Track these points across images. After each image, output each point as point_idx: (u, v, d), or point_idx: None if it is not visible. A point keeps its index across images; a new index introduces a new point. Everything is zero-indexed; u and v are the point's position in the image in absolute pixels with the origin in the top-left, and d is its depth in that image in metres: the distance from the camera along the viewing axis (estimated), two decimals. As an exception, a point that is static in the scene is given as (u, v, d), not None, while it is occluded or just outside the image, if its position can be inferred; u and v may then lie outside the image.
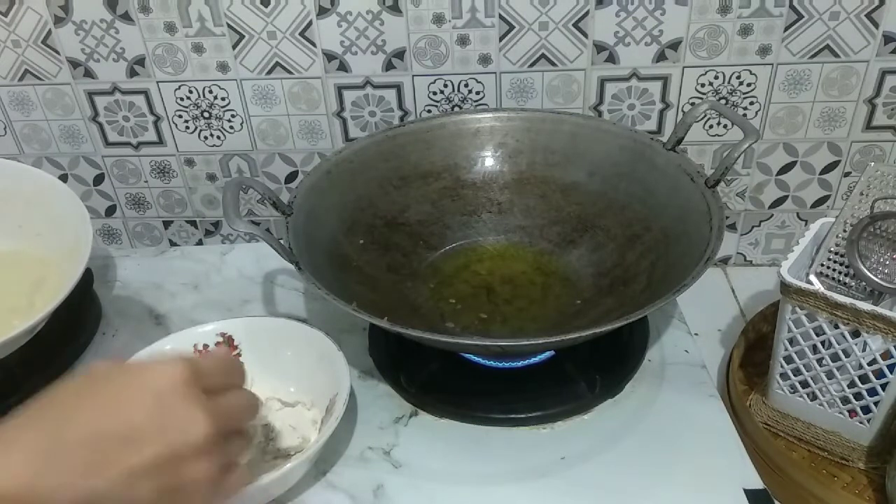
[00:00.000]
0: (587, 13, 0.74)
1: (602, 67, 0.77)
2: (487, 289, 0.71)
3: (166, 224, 0.92)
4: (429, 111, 0.81)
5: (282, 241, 0.61)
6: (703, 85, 0.77)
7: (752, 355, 0.74)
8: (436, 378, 0.65)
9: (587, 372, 0.64)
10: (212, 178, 0.87)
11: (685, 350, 0.68)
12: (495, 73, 0.78)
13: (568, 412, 0.62)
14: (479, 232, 0.76)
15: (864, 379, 0.59)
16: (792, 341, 0.62)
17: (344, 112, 0.81)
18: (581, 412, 0.62)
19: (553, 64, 0.77)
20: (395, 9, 0.75)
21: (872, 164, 0.63)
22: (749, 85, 0.77)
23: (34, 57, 0.79)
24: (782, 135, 0.80)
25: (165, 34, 0.77)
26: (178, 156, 0.86)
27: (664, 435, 0.60)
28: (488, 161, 0.77)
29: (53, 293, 0.60)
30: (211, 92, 0.81)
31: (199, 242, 0.93)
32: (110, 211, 0.91)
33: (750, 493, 0.55)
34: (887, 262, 0.60)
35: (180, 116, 0.83)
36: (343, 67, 0.78)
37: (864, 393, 0.60)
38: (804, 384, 0.63)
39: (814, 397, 0.63)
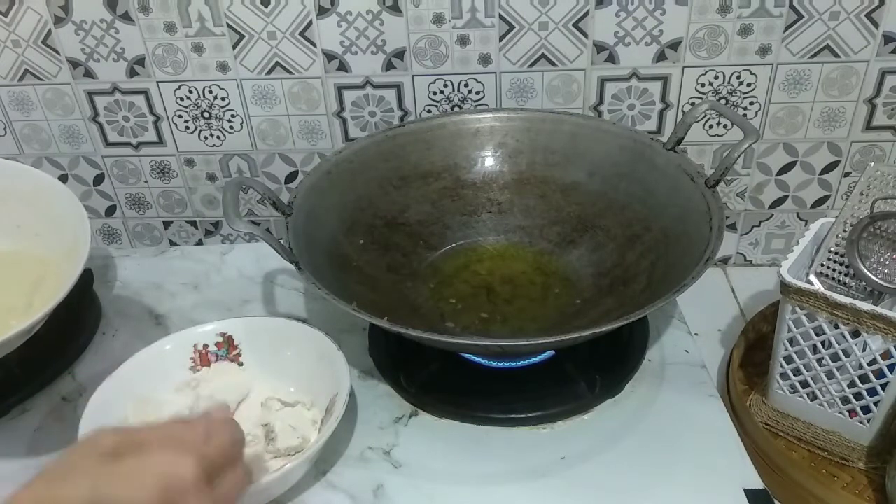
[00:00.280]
0: (587, 13, 0.74)
1: (602, 67, 0.77)
2: (487, 289, 0.71)
3: (166, 224, 0.92)
4: (429, 111, 0.81)
5: (282, 241, 0.61)
6: (703, 85, 0.77)
7: (752, 355, 0.74)
8: (436, 378, 0.65)
9: (587, 372, 0.64)
10: (212, 178, 0.87)
11: (685, 350, 0.68)
12: (495, 73, 0.78)
13: (568, 412, 0.62)
14: (479, 232, 0.76)
15: (864, 379, 0.59)
16: (792, 341, 0.62)
17: (344, 112, 0.81)
18: (581, 412, 0.62)
19: (553, 64, 0.77)
20: (395, 9, 0.75)
21: (872, 164, 0.63)
22: (749, 85, 0.77)
23: (34, 57, 0.79)
24: (782, 135, 0.80)
25: (165, 34, 0.77)
26: (178, 156, 0.86)
27: (664, 435, 0.60)
28: (488, 161, 0.77)
29: (52, 293, 0.59)
30: (211, 92, 0.81)
31: (199, 242, 0.93)
32: (110, 211, 0.91)
33: (750, 493, 0.55)
34: (887, 262, 0.60)
35: (180, 116, 0.83)
36: (343, 67, 0.78)
37: (864, 393, 0.60)
38: (804, 384, 0.63)
39: (814, 397, 0.63)
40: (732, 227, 0.87)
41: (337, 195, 0.71)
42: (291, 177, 0.86)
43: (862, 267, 0.60)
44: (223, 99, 0.81)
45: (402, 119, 0.82)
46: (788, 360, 0.63)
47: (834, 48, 0.74)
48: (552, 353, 0.66)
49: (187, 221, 0.91)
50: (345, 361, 0.60)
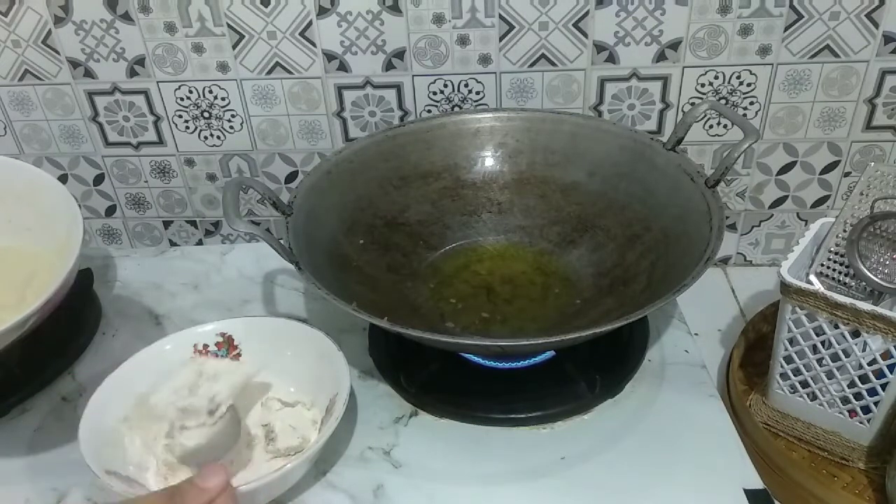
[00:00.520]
0: (587, 13, 0.74)
1: (602, 67, 0.77)
2: (487, 289, 0.71)
3: (166, 224, 0.92)
4: (429, 111, 0.81)
5: (282, 241, 0.61)
6: (703, 85, 0.77)
7: (752, 355, 0.74)
8: (436, 378, 0.65)
9: (587, 372, 0.64)
10: (212, 178, 0.87)
11: (685, 350, 0.68)
12: (495, 73, 0.78)
13: (568, 412, 0.62)
14: (479, 232, 0.76)
15: (864, 379, 0.59)
16: (792, 341, 0.62)
17: (344, 112, 0.81)
18: (581, 412, 0.62)
19: (553, 64, 0.77)
20: (395, 9, 0.75)
21: (872, 164, 0.63)
22: (749, 85, 0.77)
23: (34, 57, 0.79)
24: (782, 135, 0.80)
25: (165, 34, 0.77)
26: (178, 156, 0.86)
27: (664, 435, 0.60)
28: (488, 161, 0.77)
29: (44, 288, 0.59)
30: (211, 92, 0.81)
31: (199, 242, 0.93)
32: (110, 211, 0.91)
33: (750, 493, 0.55)
34: (887, 262, 0.60)
35: (180, 116, 0.83)
36: (343, 67, 0.78)
37: (864, 393, 0.60)
38: (804, 384, 0.63)
39: (814, 397, 0.63)
40: (732, 227, 0.87)
41: (337, 195, 0.71)
42: (291, 177, 0.86)
43: (862, 267, 0.60)
44: (223, 99, 0.81)
45: (402, 119, 0.82)
46: (788, 360, 0.63)
47: (834, 48, 0.74)
48: (552, 353, 0.66)
49: (187, 221, 0.91)
50: (345, 361, 0.59)
